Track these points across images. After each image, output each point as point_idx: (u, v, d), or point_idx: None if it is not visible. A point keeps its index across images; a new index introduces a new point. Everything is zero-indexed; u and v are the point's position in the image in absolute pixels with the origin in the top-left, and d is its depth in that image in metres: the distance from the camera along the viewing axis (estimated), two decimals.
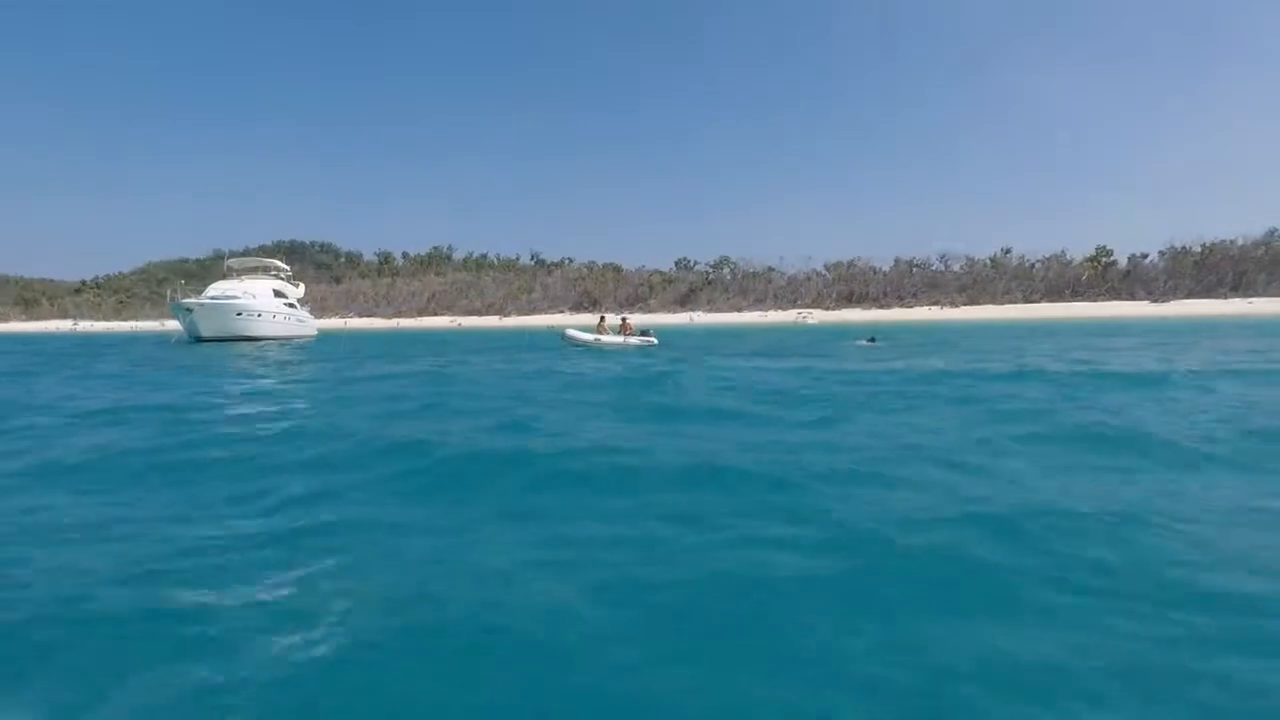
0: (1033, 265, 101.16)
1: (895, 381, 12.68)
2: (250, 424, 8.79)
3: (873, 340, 24.92)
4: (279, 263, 45.76)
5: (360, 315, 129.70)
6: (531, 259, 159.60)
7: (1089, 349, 21.11)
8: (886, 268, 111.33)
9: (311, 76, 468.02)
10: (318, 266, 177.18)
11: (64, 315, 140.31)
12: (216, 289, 37.09)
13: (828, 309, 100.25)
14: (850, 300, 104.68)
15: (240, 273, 42.66)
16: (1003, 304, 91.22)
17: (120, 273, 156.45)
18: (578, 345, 24.78)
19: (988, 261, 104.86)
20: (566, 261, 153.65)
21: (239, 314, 34.83)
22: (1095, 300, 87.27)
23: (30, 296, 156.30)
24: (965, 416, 8.37)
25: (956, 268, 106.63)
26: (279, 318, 38.69)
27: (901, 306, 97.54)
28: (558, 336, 26.23)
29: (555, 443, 7.04)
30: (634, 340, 24.49)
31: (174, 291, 37.65)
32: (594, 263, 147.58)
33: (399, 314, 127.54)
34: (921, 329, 46.46)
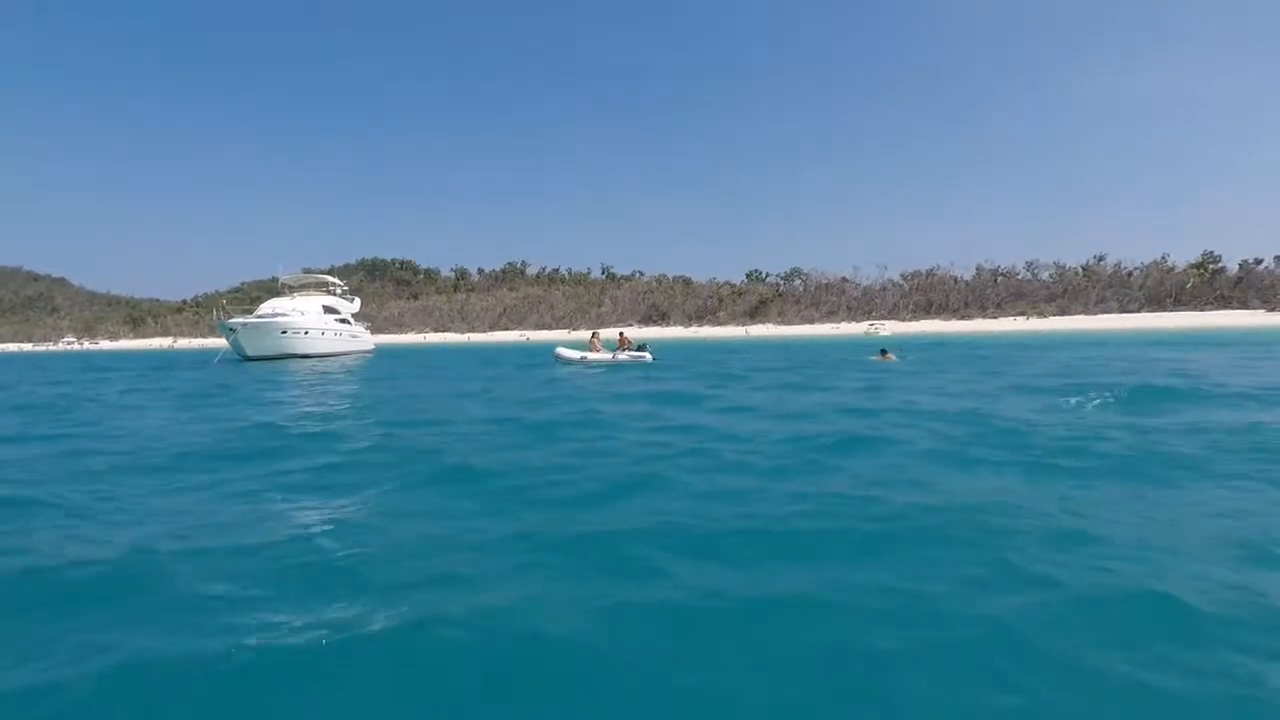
0: (1130, 272, 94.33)
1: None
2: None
3: (884, 354, 22.33)
4: (332, 278, 44.75)
5: (436, 330, 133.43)
6: (602, 272, 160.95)
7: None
8: (968, 276, 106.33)
9: (408, 102, 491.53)
10: (397, 283, 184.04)
11: (166, 333, 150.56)
12: (267, 307, 37.04)
13: (903, 320, 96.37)
14: (928, 310, 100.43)
15: (294, 290, 42.02)
16: (1095, 314, 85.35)
17: (217, 291, 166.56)
18: (567, 364, 22.96)
19: (1079, 269, 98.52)
20: (637, 275, 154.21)
21: (283, 332, 34.34)
22: (1201, 309, 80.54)
23: (138, 315, 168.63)
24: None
25: (1045, 276, 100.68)
26: (328, 334, 37.83)
27: (984, 317, 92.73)
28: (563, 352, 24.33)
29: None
30: (623, 356, 22.39)
31: (220, 311, 36.87)
32: (664, 275, 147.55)
33: (472, 329, 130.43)
34: (1004, 341, 43.48)
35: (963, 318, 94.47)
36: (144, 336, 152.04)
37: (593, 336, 24.96)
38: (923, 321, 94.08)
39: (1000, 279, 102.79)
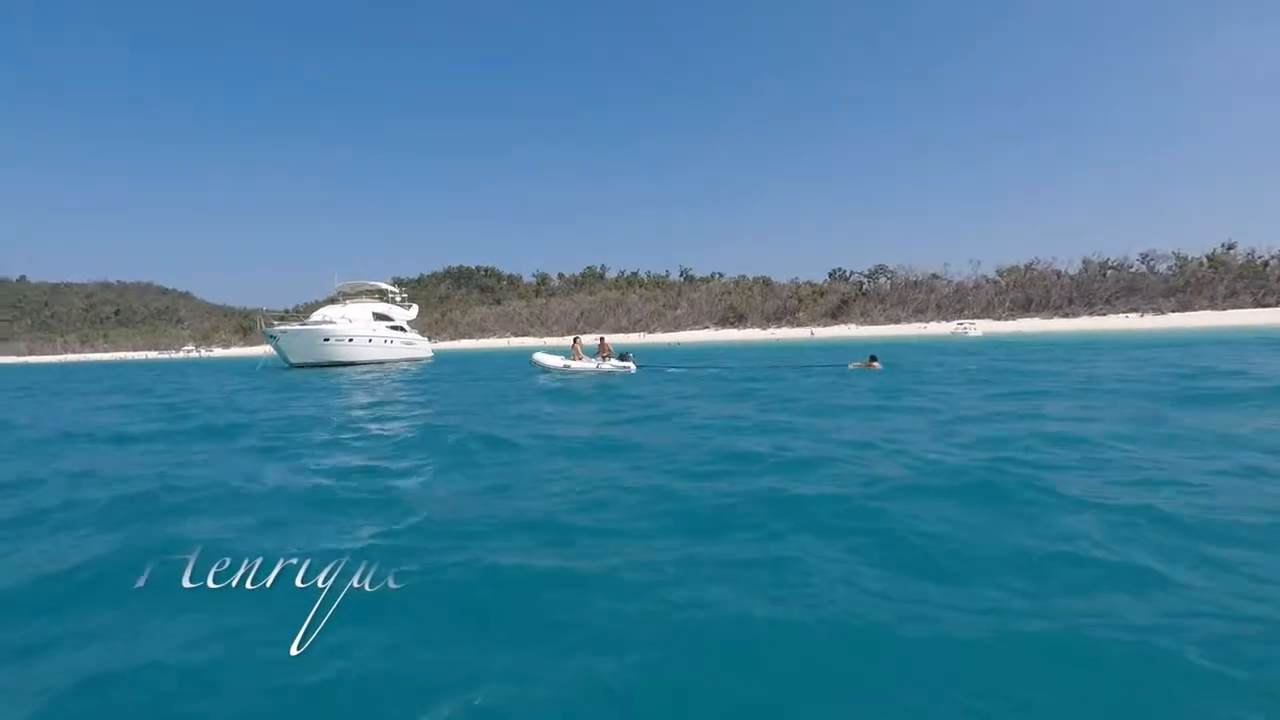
0: (1266, 262, 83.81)
1: None
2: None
3: (872, 360, 19.55)
4: (387, 285, 43.93)
5: (516, 335, 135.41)
6: (680, 275, 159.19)
7: None
8: (1073, 271, 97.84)
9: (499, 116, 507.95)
10: (482, 290, 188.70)
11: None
12: (318, 315, 36.52)
13: (999, 318, 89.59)
14: (1027, 308, 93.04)
15: (348, 297, 41.53)
16: (1224, 309, 76.23)
17: (315, 300, 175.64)
18: (546, 371, 21.49)
19: (1204, 260, 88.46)
20: (716, 276, 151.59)
21: (326, 339, 33.82)
22: None
23: (247, 325, 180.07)
24: None
25: (1163, 268, 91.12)
26: (375, 341, 37.12)
27: (1091, 314, 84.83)
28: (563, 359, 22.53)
29: None
30: (607, 366, 20.96)
31: (265, 320, 36.39)
32: (744, 276, 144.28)
33: (550, 333, 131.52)
34: (1110, 341, 38.71)
35: (1066, 315, 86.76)
36: (251, 345, 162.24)
37: (574, 343, 23.39)
38: (1020, 320, 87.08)
39: (1110, 272, 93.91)
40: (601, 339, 23.34)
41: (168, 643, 2.78)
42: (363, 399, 15.06)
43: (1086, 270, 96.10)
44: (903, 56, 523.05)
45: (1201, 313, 75.80)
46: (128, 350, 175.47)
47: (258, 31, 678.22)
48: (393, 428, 9.75)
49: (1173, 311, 79.62)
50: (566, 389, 15.88)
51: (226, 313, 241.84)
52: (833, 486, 4.99)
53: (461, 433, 8.47)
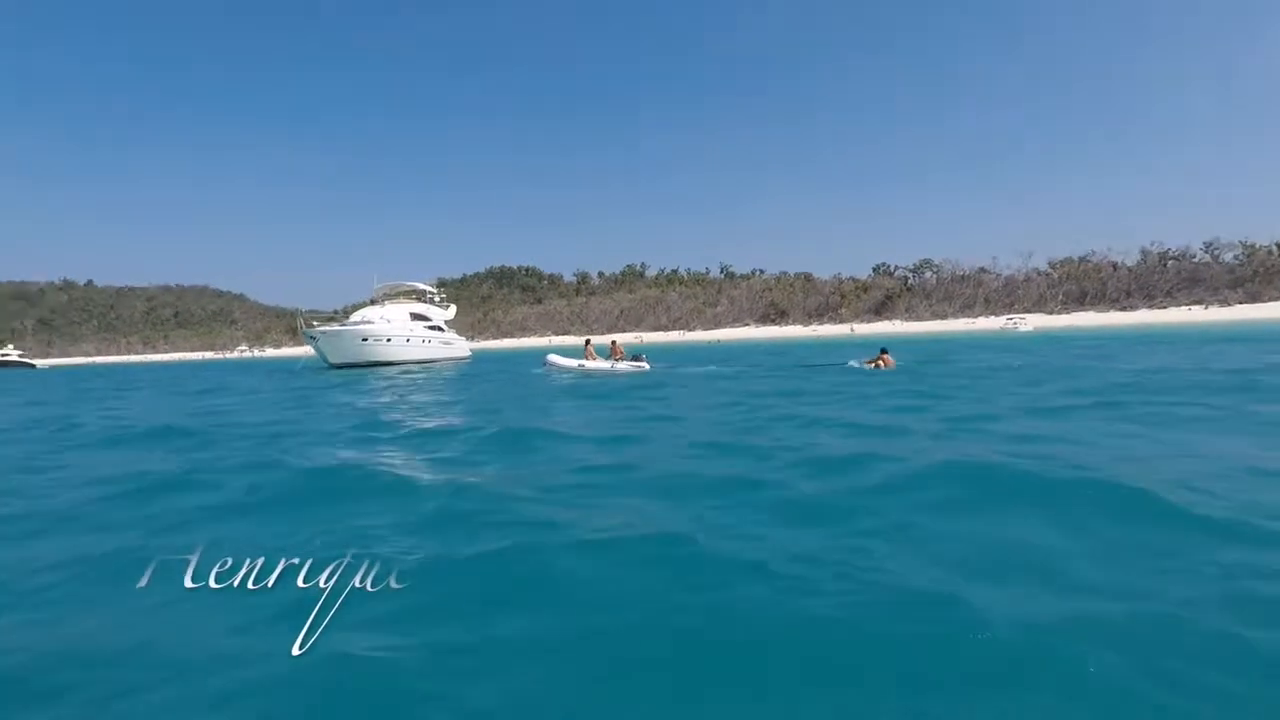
0: None
1: None
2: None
3: (883, 354, 18.05)
4: (424, 285, 44.36)
5: (557, 334, 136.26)
6: (721, 272, 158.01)
7: None
8: (1130, 262, 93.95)
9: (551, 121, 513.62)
10: (523, 289, 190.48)
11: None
12: (357, 316, 36.96)
13: (1051, 312, 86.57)
14: (1082, 301, 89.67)
15: (387, 298, 41.81)
16: None
17: (360, 301, 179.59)
18: (563, 372, 21.22)
19: (1274, 248, 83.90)
20: (757, 273, 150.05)
21: (364, 340, 34.10)
22: None
23: (297, 326, 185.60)
24: None
25: (1229, 258, 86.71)
26: (413, 341, 37.34)
27: (1151, 307, 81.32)
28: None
29: None
30: (622, 366, 21.04)
31: (305, 320, 36.48)
32: (785, 273, 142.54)
33: (590, 332, 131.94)
34: (1171, 333, 36.95)
35: (1124, 308, 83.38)
36: (300, 345, 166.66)
37: (587, 344, 23.68)
38: (1074, 314, 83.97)
39: (1171, 262, 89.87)
40: (613, 341, 23.82)
41: (170, 642, 2.79)
42: (387, 399, 15.24)
43: (1145, 261, 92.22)
44: (944, 52, 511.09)
45: (1273, 303, 71.87)
46: (186, 351, 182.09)
47: (305, 43, 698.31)
48: (412, 424, 9.83)
49: (1239, 303, 75.73)
50: (578, 387, 16.27)
51: (279, 313, 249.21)
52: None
53: (479, 431, 8.44)
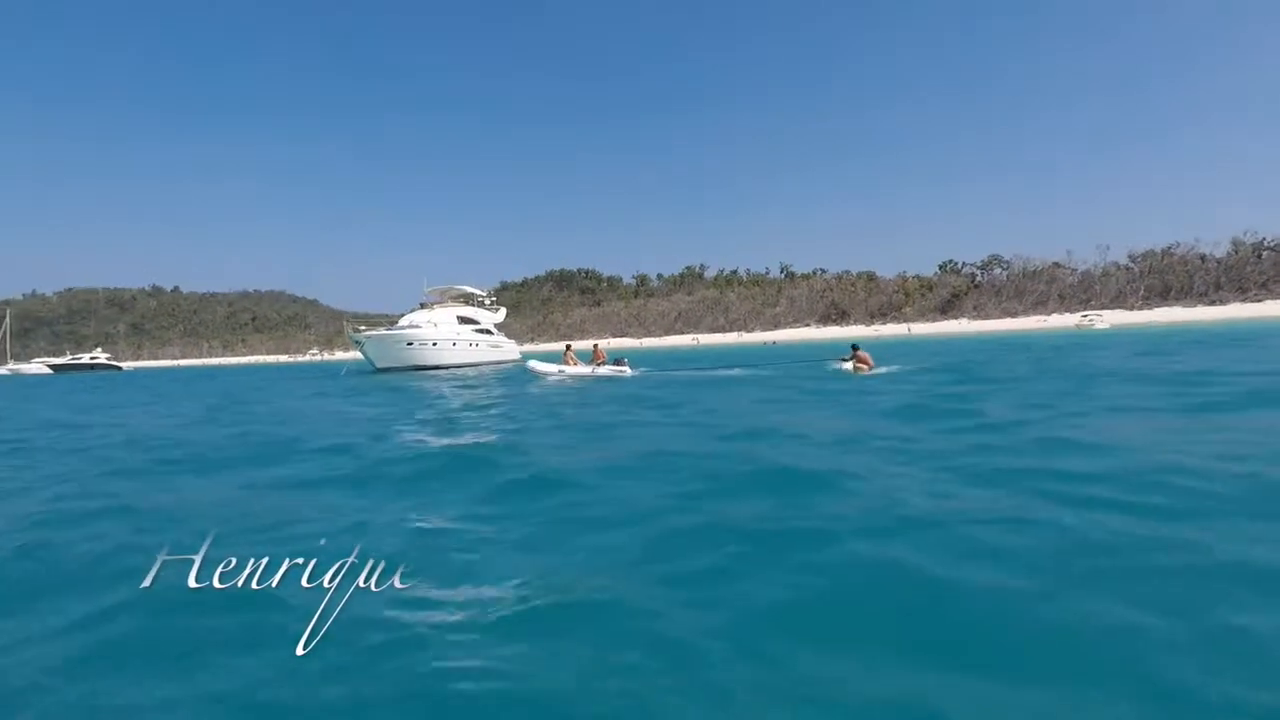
0: None
1: None
2: None
3: (855, 352, 17.17)
4: (472, 289, 44.16)
5: (615, 336, 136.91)
6: (781, 272, 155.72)
7: None
8: (1220, 253, 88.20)
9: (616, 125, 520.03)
10: (582, 291, 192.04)
11: None
12: (405, 320, 37.26)
13: (1131, 308, 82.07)
14: (1165, 296, 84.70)
15: (435, 301, 41.80)
16: None
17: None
18: (542, 378, 21.37)
19: None
20: (818, 272, 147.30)
21: (409, 344, 34.15)
22: None
23: (345, 331, 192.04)
24: None
25: None
26: (460, 345, 37.28)
27: (1242, 301, 76.13)
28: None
29: None
30: (603, 370, 21.25)
31: (352, 325, 36.77)
32: (847, 272, 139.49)
33: (648, 334, 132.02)
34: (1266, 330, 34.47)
35: (1212, 302, 78.35)
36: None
37: (567, 349, 24.17)
38: (1157, 309, 79.36)
39: (1266, 253, 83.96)
40: (595, 345, 24.43)
41: (171, 643, 2.85)
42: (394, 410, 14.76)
43: (1237, 252, 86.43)
44: (1016, 49, 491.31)
45: None
46: (262, 354, 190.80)
47: (384, 41, 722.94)
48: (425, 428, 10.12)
49: None
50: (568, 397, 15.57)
51: (349, 318, 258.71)
52: None
53: (491, 430, 8.53)
